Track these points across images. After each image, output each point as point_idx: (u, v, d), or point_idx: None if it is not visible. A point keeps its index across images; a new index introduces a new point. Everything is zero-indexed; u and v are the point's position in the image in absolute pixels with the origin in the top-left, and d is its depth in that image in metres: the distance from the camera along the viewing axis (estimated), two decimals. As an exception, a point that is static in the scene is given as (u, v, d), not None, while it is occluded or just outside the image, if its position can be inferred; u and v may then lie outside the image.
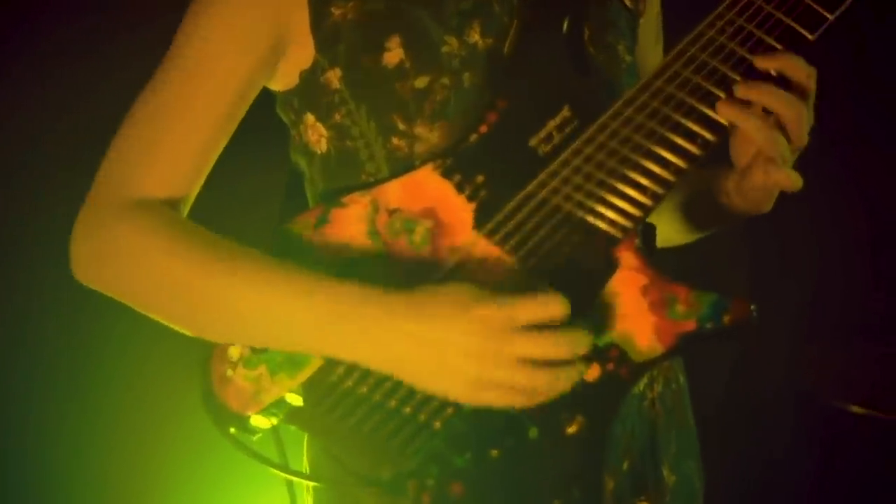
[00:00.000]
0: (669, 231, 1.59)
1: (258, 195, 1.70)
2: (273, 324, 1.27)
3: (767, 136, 1.28)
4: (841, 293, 2.52)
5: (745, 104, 1.29)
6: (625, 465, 1.42)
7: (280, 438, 1.32)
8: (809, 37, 1.31)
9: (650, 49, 1.61)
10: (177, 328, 1.33)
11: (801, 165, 1.37)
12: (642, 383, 1.44)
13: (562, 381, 1.21)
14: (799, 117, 1.29)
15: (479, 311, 1.19)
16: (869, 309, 2.52)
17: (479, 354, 1.19)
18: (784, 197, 1.39)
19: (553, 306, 1.20)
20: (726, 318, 1.29)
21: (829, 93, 1.37)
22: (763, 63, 1.29)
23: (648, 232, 1.53)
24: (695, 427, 1.55)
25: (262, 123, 1.47)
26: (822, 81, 1.32)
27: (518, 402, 1.22)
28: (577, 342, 1.21)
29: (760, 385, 2.50)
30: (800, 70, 1.29)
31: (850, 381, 2.17)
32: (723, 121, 1.29)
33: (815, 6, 1.31)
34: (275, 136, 1.52)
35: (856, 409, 2.05)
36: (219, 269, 1.29)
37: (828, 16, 1.31)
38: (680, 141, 1.29)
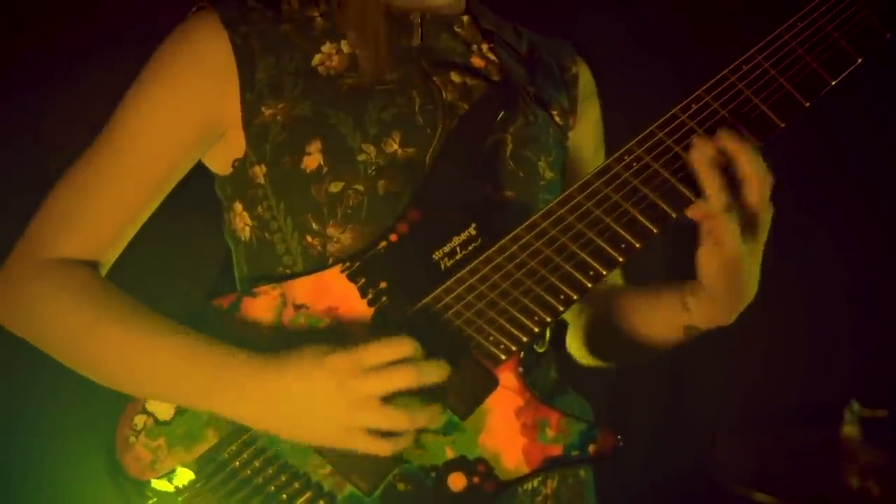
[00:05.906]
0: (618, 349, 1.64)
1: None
2: (161, 381, 1.38)
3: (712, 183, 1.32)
4: (760, 379, 2.55)
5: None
6: None
7: None
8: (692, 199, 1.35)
9: (589, 157, 1.67)
10: (84, 374, 1.44)
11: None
12: (536, 480, 1.51)
13: (420, 418, 1.31)
14: (745, 158, 1.32)
15: (331, 362, 1.30)
16: (784, 397, 2.56)
17: (338, 401, 1.30)
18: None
19: (399, 345, 1.31)
20: (591, 448, 1.37)
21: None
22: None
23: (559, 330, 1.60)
24: None
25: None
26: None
27: (384, 448, 1.32)
28: (425, 372, 1.31)
29: (670, 469, 2.55)
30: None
31: (760, 468, 2.21)
32: (619, 258, 1.35)
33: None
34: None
35: (761, 496, 2.09)
36: (116, 324, 1.40)
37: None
38: (573, 270, 1.36)
